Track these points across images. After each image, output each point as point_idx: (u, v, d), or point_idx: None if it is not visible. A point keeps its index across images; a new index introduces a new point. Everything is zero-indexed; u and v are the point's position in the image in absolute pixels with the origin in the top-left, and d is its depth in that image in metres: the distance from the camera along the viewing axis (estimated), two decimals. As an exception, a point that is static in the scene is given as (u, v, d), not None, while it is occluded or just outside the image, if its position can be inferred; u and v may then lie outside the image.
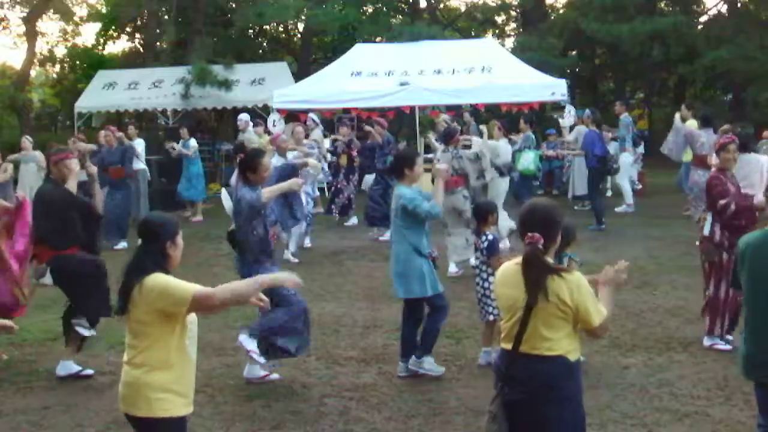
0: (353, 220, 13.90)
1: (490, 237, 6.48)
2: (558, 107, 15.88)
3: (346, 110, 19.46)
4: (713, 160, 10.59)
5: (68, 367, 6.38)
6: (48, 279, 6.29)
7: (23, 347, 7.22)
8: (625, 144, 14.51)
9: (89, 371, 6.41)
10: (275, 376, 6.15)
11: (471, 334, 7.17)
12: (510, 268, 3.67)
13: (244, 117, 15.45)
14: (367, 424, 5.33)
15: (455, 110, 17.66)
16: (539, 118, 20.06)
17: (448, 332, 7.05)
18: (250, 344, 5.90)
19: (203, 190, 15.81)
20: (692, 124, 13.46)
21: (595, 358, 6.37)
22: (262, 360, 6.00)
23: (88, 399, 5.94)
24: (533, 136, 13.96)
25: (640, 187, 16.67)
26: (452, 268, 9.57)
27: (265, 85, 19.77)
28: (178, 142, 15.59)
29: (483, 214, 6.64)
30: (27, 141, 14.68)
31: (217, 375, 6.33)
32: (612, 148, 14.65)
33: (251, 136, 14.43)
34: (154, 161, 16.36)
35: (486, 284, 6.41)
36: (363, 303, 8.54)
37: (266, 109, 18.39)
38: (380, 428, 5.28)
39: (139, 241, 3.68)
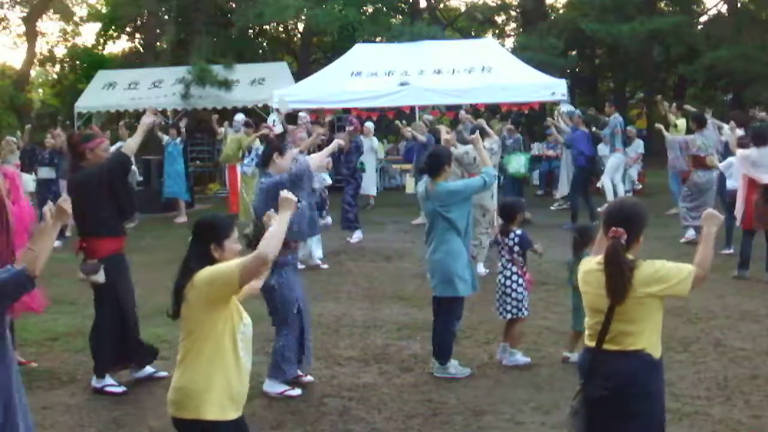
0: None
1: (519, 232, 6.44)
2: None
3: (346, 110, 19.48)
4: (713, 161, 10.61)
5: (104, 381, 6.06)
6: (101, 276, 5.95)
7: (23, 347, 7.20)
8: (615, 144, 14.51)
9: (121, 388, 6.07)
10: (297, 391, 5.91)
11: (471, 334, 7.17)
12: (592, 266, 3.67)
13: (240, 117, 15.31)
14: (367, 424, 5.33)
15: (455, 110, 17.67)
16: (539, 118, 20.07)
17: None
18: (278, 387, 5.85)
19: (185, 190, 15.64)
20: (681, 123, 13.45)
21: (595, 358, 6.36)
22: (297, 393, 5.88)
23: (88, 399, 5.93)
24: (521, 138, 13.98)
25: (640, 187, 16.66)
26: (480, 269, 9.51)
27: (265, 85, 19.78)
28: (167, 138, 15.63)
29: (511, 213, 6.55)
30: (11, 141, 14.49)
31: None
32: (603, 149, 14.65)
33: (240, 136, 14.39)
34: (153, 161, 16.35)
35: (508, 282, 6.37)
36: (363, 303, 8.54)
37: (266, 109, 18.38)
38: (380, 428, 5.27)
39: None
